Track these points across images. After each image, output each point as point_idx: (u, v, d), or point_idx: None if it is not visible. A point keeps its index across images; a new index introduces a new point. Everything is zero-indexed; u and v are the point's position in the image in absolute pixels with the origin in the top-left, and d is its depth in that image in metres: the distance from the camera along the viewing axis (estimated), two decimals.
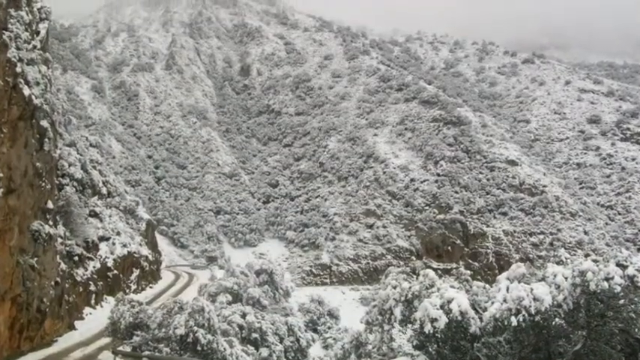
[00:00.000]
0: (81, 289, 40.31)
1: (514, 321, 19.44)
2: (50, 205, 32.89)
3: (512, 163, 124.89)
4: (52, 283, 33.04)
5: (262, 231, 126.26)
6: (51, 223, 32.91)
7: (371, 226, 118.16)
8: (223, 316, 35.02)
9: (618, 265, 20.82)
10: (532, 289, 19.89)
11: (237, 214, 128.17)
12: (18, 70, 27.45)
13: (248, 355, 31.47)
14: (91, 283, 42.32)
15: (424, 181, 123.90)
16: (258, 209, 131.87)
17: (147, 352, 29.72)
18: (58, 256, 34.34)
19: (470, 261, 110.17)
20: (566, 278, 20.21)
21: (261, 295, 44.80)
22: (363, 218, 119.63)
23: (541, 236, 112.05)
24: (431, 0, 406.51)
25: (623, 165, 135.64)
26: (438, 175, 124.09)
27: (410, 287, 24.99)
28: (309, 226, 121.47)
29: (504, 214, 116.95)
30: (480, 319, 21.02)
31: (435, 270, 34.74)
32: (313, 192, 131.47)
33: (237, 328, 34.88)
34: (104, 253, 47.57)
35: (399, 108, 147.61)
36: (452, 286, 24.35)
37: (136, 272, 56.43)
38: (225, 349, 29.45)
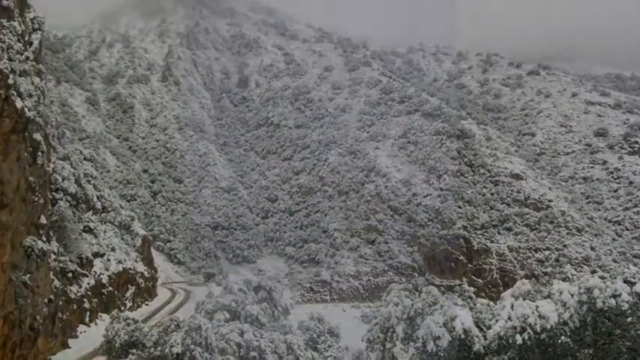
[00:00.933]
0: (75, 307, 39.68)
1: (519, 339, 19.26)
2: (43, 220, 32.36)
3: (517, 177, 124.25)
4: (46, 300, 32.44)
5: (261, 247, 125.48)
6: (44, 238, 32.36)
7: (372, 242, 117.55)
8: (221, 334, 34.48)
9: (626, 281, 20.54)
10: (537, 307, 19.74)
11: (235, 229, 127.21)
12: (10, 81, 26.97)
13: None
14: (85, 300, 41.68)
15: (427, 195, 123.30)
16: (257, 224, 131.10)
17: None
18: (51, 273, 33.76)
19: (473, 277, 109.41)
20: (572, 295, 20.00)
21: (260, 312, 44.23)
22: (364, 234, 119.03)
23: (547, 252, 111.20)
24: (433, 10, 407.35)
25: (630, 179, 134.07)
26: (441, 189, 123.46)
27: (412, 304, 24.82)
28: (308, 242, 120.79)
29: (509, 229, 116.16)
30: (484, 337, 20.81)
31: (437, 287, 34.32)
32: (313, 207, 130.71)
33: (235, 347, 34.31)
34: (99, 270, 46.91)
35: (400, 121, 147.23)
36: (455, 304, 24.01)
37: (132, 289, 55.72)
38: None
